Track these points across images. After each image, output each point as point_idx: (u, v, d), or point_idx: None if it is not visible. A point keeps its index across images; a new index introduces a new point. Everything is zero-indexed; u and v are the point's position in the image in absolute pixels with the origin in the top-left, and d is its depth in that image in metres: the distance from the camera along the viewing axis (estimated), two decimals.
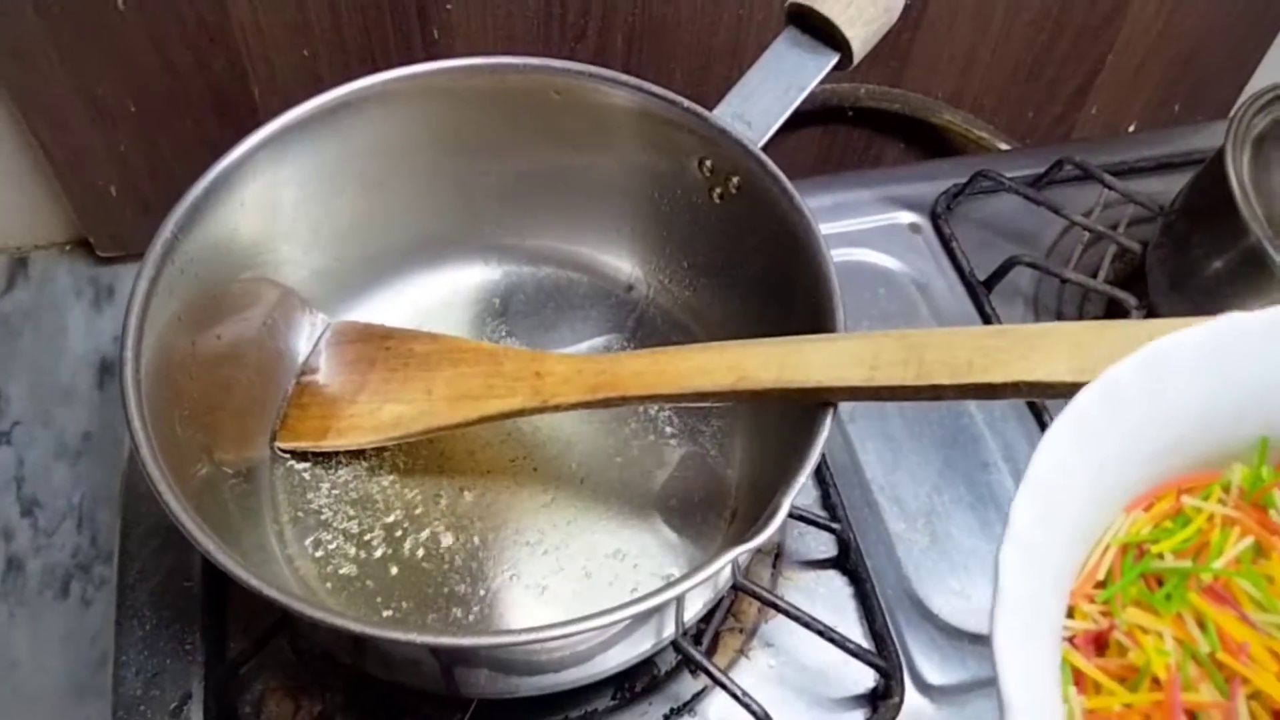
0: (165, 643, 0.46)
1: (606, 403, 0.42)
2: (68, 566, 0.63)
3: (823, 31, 0.45)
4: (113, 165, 0.69)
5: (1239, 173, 0.52)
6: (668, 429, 0.51)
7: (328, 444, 0.46)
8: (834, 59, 0.45)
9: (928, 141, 0.80)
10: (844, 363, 0.37)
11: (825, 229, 0.42)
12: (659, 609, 0.36)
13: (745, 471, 0.50)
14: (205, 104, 0.67)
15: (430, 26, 0.66)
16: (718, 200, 0.47)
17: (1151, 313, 0.58)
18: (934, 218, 0.65)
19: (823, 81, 0.46)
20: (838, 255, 0.62)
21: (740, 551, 0.34)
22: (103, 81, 0.64)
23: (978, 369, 0.34)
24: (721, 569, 0.34)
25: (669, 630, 0.41)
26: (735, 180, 0.45)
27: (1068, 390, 0.32)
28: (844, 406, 0.58)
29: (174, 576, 0.48)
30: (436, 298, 0.54)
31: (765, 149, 0.44)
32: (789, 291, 0.44)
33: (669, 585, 0.34)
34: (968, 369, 0.34)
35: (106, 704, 0.58)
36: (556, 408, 0.43)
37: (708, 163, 0.46)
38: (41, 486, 0.66)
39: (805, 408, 0.38)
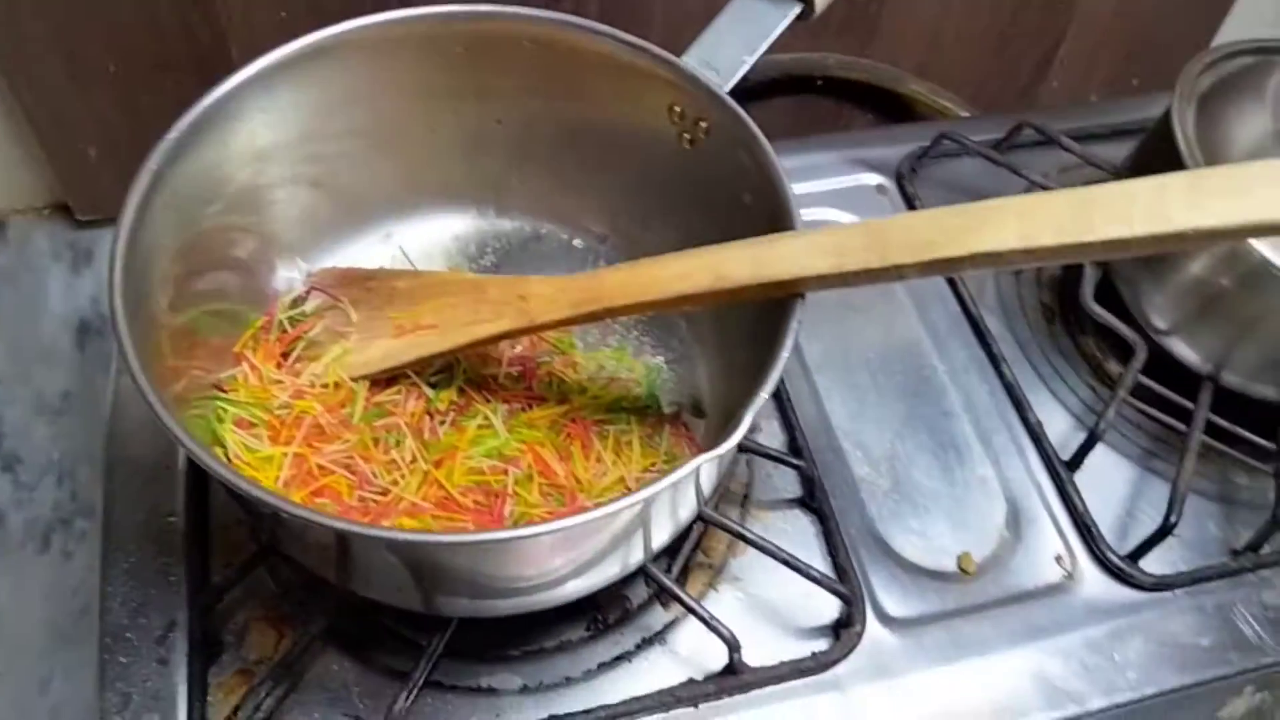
0: (150, 574, 0.47)
1: (591, 316, 0.44)
2: (49, 520, 0.64)
3: None
4: (93, 127, 0.70)
5: (1184, 129, 0.54)
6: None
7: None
8: (796, 9, 0.47)
9: (895, 111, 0.82)
10: (813, 253, 0.39)
11: (794, 190, 0.43)
12: (623, 518, 0.38)
13: (718, 395, 0.52)
14: (186, 66, 0.68)
15: None
16: (688, 146, 0.49)
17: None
18: (899, 179, 0.67)
19: (791, 46, 0.48)
20: (806, 214, 0.63)
21: (704, 459, 0.36)
22: (85, 43, 0.65)
23: (937, 246, 0.36)
24: (685, 477, 0.36)
25: (638, 554, 0.43)
26: (704, 125, 0.47)
27: (1019, 258, 0.34)
28: (810, 356, 0.60)
29: (156, 512, 0.49)
30: (414, 246, 0.56)
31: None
32: (755, 226, 0.46)
33: (632, 494, 0.36)
34: (928, 247, 0.36)
35: (87, 652, 0.59)
36: (543, 327, 0.44)
37: (677, 109, 0.48)
38: (22, 443, 0.67)
39: (773, 317, 0.40)
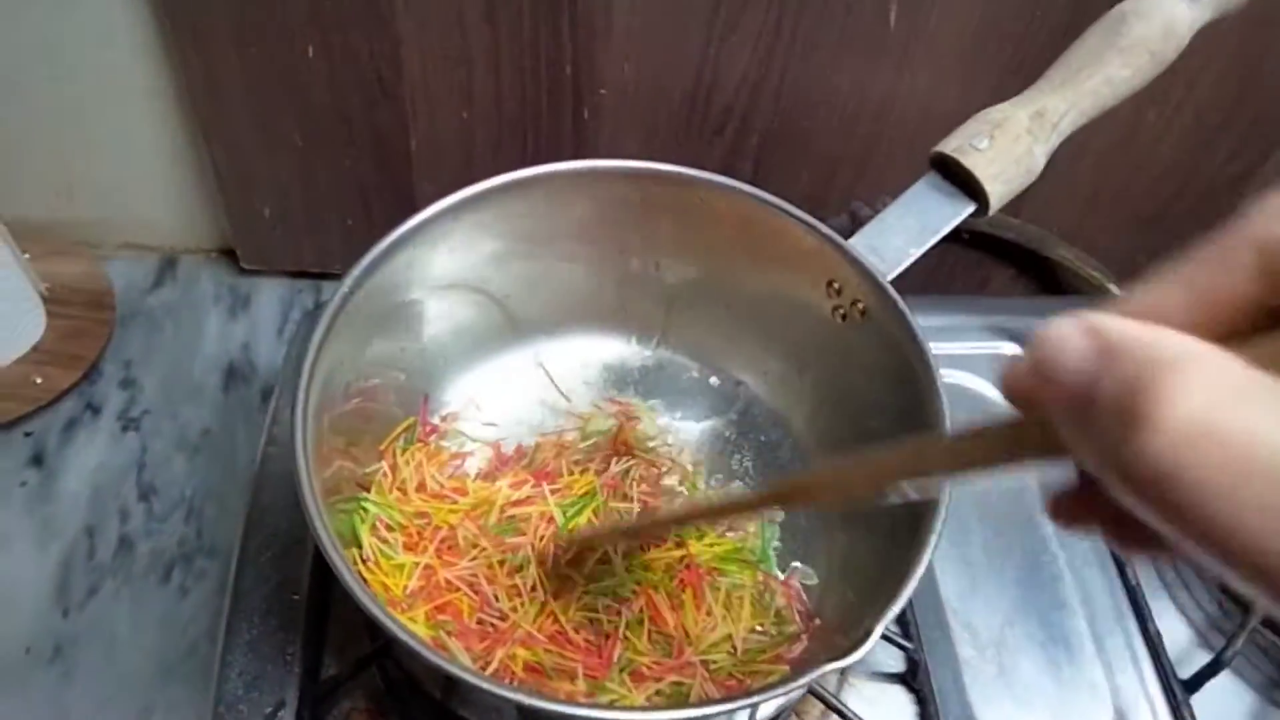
0: (268, 649, 0.49)
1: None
2: (173, 554, 0.67)
3: (964, 181, 0.47)
4: (271, 189, 0.75)
5: None
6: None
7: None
8: (970, 208, 0.47)
9: (1038, 273, 0.81)
10: None
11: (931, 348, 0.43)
12: (736, 711, 0.39)
13: (835, 560, 0.52)
14: (365, 148, 0.72)
15: (582, 106, 0.70)
16: (840, 320, 0.50)
17: None
18: None
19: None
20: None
21: (825, 670, 0.36)
22: (279, 118, 0.70)
23: None
24: (803, 684, 0.36)
25: None
26: (860, 305, 0.48)
27: None
28: None
29: (284, 588, 0.52)
30: (557, 366, 0.58)
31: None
32: (894, 416, 0.47)
33: (749, 693, 0.36)
34: None
35: (190, 690, 0.62)
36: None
37: (835, 284, 0.49)
38: (160, 475, 0.71)
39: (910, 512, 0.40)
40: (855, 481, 0.32)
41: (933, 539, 0.39)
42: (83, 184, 0.78)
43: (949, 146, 0.46)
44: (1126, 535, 0.21)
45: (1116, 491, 0.17)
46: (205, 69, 0.67)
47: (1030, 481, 0.62)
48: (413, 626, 0.42)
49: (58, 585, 0.64)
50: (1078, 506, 0.22)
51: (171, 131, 0.74)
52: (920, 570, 0.38)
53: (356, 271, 0.43)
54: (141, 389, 0.75)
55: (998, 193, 0.45)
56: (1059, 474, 0.22)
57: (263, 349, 0.78)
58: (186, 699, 0.62)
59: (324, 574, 0.53)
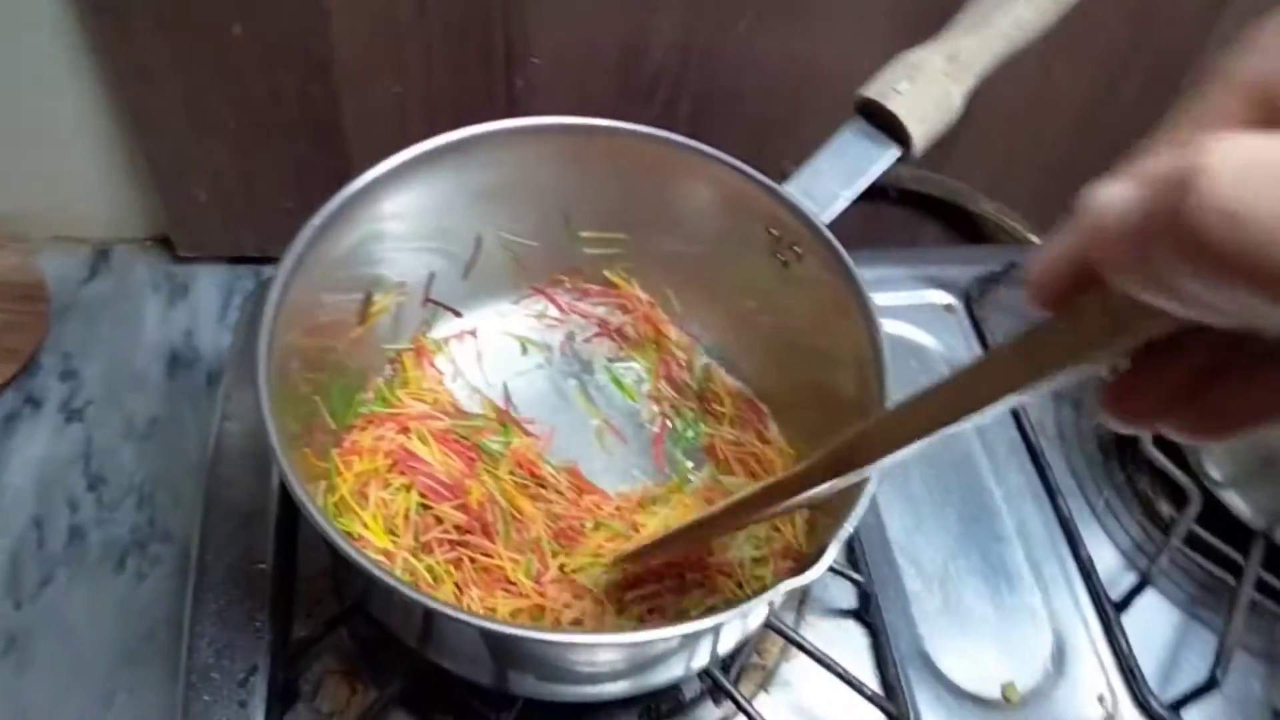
0: (237, 618, 0.50)
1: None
2: (126, 542, 0.67)
3: (888, 125, 0.49)
4: (206, 174, 0.74)
5: None
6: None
7: None
8: (896, 151, 0.49)
9: (963, 227, 0.85)
10: None
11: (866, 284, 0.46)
12: (700, 634, 0.40)
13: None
14: (299, 127, 0.72)
15: (514, 76, 0.71)
16: (782, 266, 0.51)
17: None
18: (967, 301, 0.70)
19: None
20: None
21: (787, 588, 0.38)
22: (211, 100, 0.69)
23: None
24: (764, 602, 0.38)
25: (704, 658, 0.45)
26: (797, 249, 0.50)
27: None
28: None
29: (247, 558, 0.52)
30: (511, 325, 0.60)
31: None
32: (837, 357, 0.49)
33: (712, 612, 0.38)
34: None
35: (152, 672, 0.62)
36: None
37: (774, 230, 0.51)
38: (108, 464, 0.70)
39: None
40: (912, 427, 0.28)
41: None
42: (7, 176, 0.76)
43: (871, 91, 0.48)
44: (1184, 413, 0.22)
45: (1184, 275, 0.16)
46: (129, 52, 0.66)
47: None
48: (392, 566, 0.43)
49: (8, 577, 0.63)
50: (1136, 394, 0.23)
51: (99, 118, 0.73)
52: (871, 490, 0.40)
53: (307, 233, 0.44)
54: (83, 380, 0.74)
55: (920, 133, 0.48)
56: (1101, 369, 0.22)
57: (205, 336, 0.77)
58: (149, 682, 0.61)
59: (288, 541, 0.53)
